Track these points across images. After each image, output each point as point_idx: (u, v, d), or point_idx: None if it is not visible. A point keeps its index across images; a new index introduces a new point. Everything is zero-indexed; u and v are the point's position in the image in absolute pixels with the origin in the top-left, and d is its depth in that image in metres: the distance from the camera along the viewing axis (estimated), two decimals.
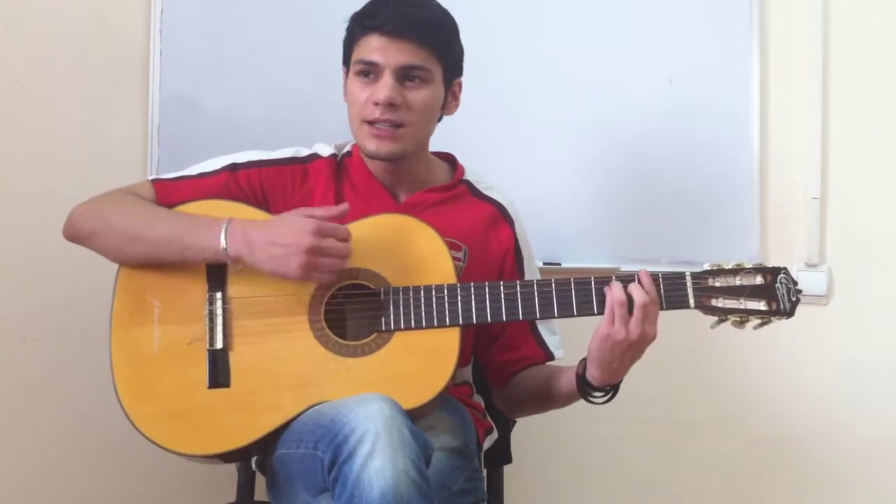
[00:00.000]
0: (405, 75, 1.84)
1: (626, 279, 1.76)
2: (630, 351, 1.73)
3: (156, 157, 2.39)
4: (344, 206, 1.78)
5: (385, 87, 1.82)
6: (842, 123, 2.60)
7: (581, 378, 1.80)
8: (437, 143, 1.98)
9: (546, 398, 1.91)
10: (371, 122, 1.84)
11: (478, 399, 2.04)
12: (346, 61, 1.91)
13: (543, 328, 1.97)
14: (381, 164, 1.91)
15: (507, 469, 2.11)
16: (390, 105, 1.82)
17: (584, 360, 1.79)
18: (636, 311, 1.71)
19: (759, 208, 2.56)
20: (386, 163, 1.90)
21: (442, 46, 1.88)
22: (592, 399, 1.82)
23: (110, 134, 2.43)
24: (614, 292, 1.72)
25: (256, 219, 1.79)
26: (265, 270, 1.73)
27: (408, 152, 1.89)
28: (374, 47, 1.83)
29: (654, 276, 1.77)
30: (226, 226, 1.74)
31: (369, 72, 1.84)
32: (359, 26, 1.87)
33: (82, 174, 2.35)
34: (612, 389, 1.80)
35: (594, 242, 2.51)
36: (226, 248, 1.73)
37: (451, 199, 1.95)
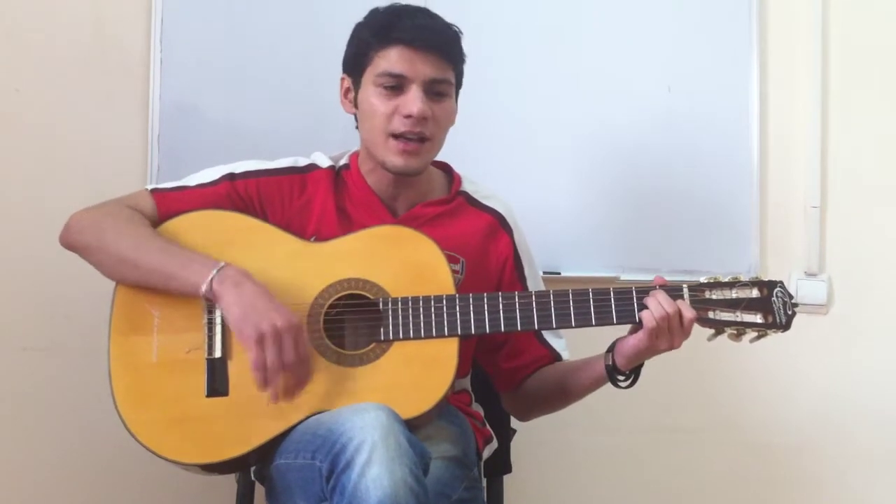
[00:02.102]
0: (430, 89, 1.84)
1: (623, 290, 1.77)
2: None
3: (156, 165, 2.39)
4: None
5: (417, 99, 1.82)
6: (841, 132, 2.60)
7: (611, 370, 1.82)
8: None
9: (564, 394, 1.93)
10: (397, 136, 1.84)
11: (477, 408, 2.04)
12: (356, 71, 1.89)
13: (548, 332, 1.97)
14: (383, 179, 1.91)
15: (506, 478, 2.11)
16: (422, 118, 1.82)
17: (611, 352, 1.81)
18: (686, 323, 1.74)
19: (758, 217, 2.56)
20: (390, 178, 1.90)
21: (458, 59, 1.89)
22: (620, 385, 1.84)
23: (110, 142, 2.43)
24: (663, 304, 1.75)
25: (256, 239, 1.81)
26: (227, 315, 1.70)
27: (428, 165, 1.91)
28: (399, 59, 1.82)
29: (652, 288, 1.78)
30: (218, 270, 1.72)
31: (395, 84, 1.83)
32: (378, 38, 1.84)
33: (82, 182, 2.35)
34: (632, 373, 1.84)
35: (594, 251, 2.51)
36: (210, 282, 1.71)
37: (449, 212, 1.95)
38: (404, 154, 1.84)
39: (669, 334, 1.75)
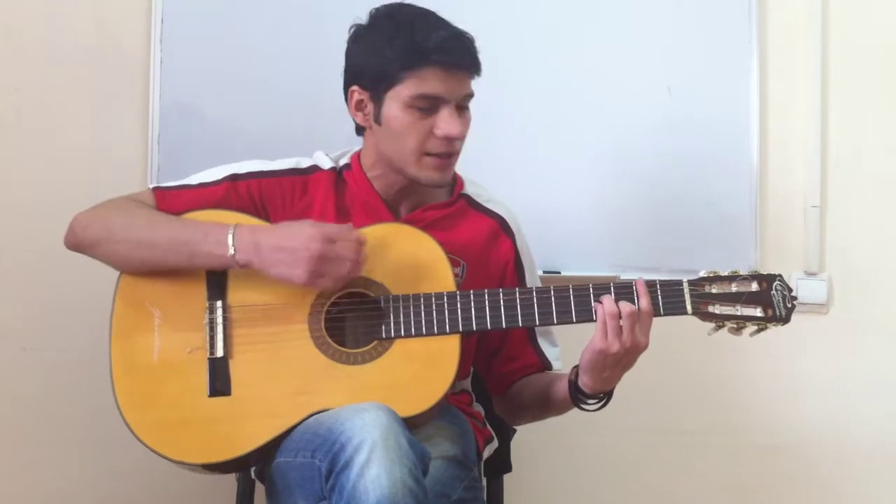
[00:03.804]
0: (458, 104, 1.84)
1: (624, 286, 1.76)
2: (622, 361, 1.74)
3: (156, 166, 2.40)
4: (348, 225, 1.77)
5: (456, 122, 1.81)
6: (841, 132, 2.60)
7: (573, 385, 1.80)
8: None
9: (543, 405, 1.92)
10: (433, 154, 1.84)
11: (477, 408, 2.04)
12: (378, 87, 1.83)
13: (543, 340, 1.97)
14: (391, 183, 1.90)
15: (506, 478, 2.11)
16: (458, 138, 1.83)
17: (577, 367, 1.79)
18: (625, 321, 1.71)
19: (758, 216, 2.56)
20: (398, 183, 1.89)
21: (478, 71, 1.88)
22: (585, 406, 1.82)
23: (110, 142, 2.43)
24: (606, 306, 1.72)
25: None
26: (271, 275, 1.72)
27: None
28: (436, 81, 1.80)
29: (652, 283, 1.77)
30: (233, 231, 1.74)
31: (430, 106, 1.81)
32: (411, 58, 1.79)
33: (83, 183, 2.35)
34: (604, 397, 1.81)
35: (594, 251, 2.51)
36: (234, 255, 1.73)
37: (451, 215, 1.95)
38: (440, 170, 1.85)
39: (619, 333, 1.72)
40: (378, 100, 1.84)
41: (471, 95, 1.86)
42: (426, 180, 1.86)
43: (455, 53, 1.81)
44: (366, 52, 1.85)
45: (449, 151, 1.84)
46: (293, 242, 1.70)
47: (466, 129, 1.86)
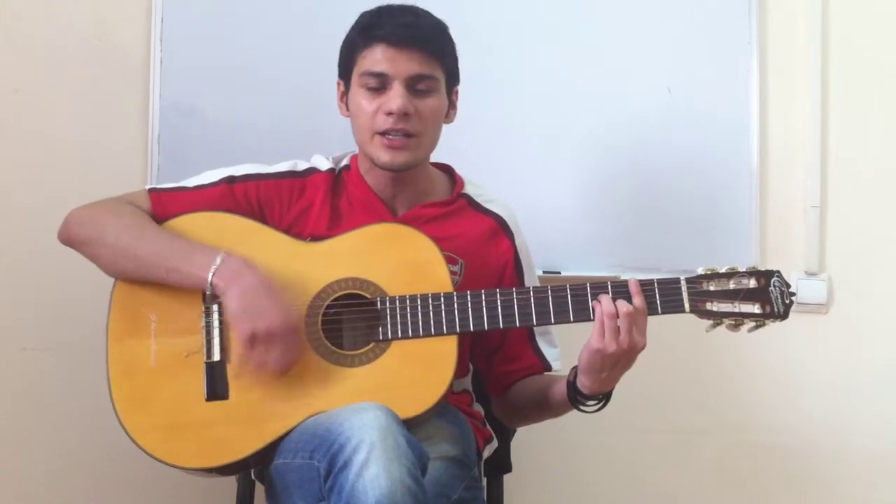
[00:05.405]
0: (413, 85, 1.84)
1: (621, 286, 1.76)
2: (620, 362, 1.73)
3: (156, 166, 2.40)
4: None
5: (397, 96, 1.82)
6: (841, 132, 2.60)
7: (572, 386, 1.80)
8: (436, 152, 1.97)
9: (542, 407, 1.92)
10: (383, 133, 1.84)
11: (477, 408, 2.04)
12: (346, 74, 1.90)
13: (543, 341, 1.97)
14: (381, 177, 1.91)
15: (506, 478, 2.11)
16: (404, 115, 1.82)
17: (575, 368, 1.79)
18: (622, 321, 1.71)
19: (758, 216, 2.56)
20: (388, 176, 1.90)
21: (446, 54, 1.89)
22: (583, 408, 1.82)
23: (110, 142, 2.43)
24: (604, 306, 1.72)
25: (254, 240, 1.81)
26: (226, 308, 1.71)
27: (419, 162, 1.90)
28: (381, 58, 1.83)
29: (649, 282, 1.77)
30: (221, 256, 1.73)
31: (378, 84, 1.84)
32: (362, 38, 1.86)
33: (82, 183, 2.35)
34: (603, 398, 1.81)
35: (594, 251, 2.51)
36: (210, 277, 1.71)
37: (450, 213, 1.95)
38: (390, 150, 1.85)
39: (616, 333, 1.71)
40: (348, 87, 1.90)
41: (426, 77, 1.85)
42: (379, 162, 1.86)
43: (399, 30, 1.83)
44: (341, 46, 1.91)
45: (396, 129, 1.83)
46: (268, 303, 1.69)
47: (429, 111, 1.86)
